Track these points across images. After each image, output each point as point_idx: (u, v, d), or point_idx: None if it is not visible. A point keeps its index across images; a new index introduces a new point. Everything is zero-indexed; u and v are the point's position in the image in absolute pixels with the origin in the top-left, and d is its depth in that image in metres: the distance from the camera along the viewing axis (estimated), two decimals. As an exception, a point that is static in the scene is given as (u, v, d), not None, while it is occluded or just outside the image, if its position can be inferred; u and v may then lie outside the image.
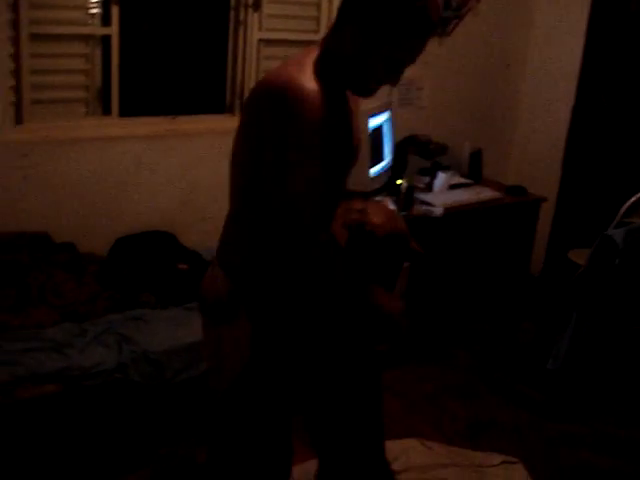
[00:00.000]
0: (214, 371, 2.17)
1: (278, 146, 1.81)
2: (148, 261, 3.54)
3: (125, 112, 3.77)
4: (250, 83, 4.06)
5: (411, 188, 3.96)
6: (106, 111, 3.72)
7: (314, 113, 1.77)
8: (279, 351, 2.05)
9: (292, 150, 1.79)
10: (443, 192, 4.22)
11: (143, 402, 2.96)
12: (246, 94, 4.07)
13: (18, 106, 3.44)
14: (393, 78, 1.95)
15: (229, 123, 4.06)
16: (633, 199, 3.89)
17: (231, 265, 2.04)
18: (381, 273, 2.19)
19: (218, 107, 4.10)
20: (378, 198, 3.95)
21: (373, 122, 3.88)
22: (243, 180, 1.99)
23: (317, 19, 4.23)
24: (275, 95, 1.80)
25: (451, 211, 3.95)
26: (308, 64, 1.86)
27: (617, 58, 4.60)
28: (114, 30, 3.59)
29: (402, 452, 3.21)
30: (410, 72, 4.65)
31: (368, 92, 1.99)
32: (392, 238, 2.12)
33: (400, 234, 2.15)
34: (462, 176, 4.56)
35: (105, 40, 3.60)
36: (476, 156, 4.65)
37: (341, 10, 1.90)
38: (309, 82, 1.80)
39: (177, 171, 3.90)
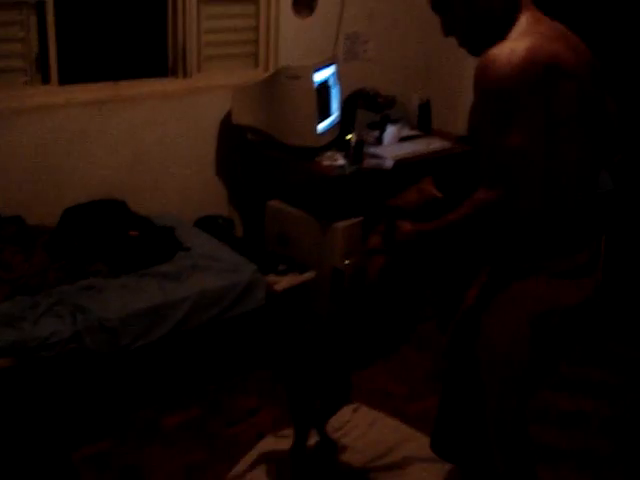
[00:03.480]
0: None
1: None
2: (98, 229, 3.48)
3: (65, 79, 3.68)
4: (192, 43, 3.99)
5: (361, 142, 3.94)
6: (45, 80, 3.62)
7: None
8: None
9: None
10: (393, 145, 4.20)
11: (102, 370, 2.94)
12: (188, 55, 4.00)
13: (-48, 78, 3.36)
14: None
15: (173, 86, 4.03)
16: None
17: None
18: None
19: (161, 70, 4.03)
20: (328, 153, 3.93)
21: (319, 76, 3.84)
22: None
23: (258, -25, 4.16)
24: None
25: (401, 163, 3.94)
26: None
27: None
28: (48, -5, 3.50)
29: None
30: (355, 25, 4.64)
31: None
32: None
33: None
34: (412, 128, 4.55)
35: (40, 6, 3.50)
36: (425, 107, 4.63)
37: None
38: None
39: (123, 137, 3.83)
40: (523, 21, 1.96)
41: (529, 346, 2.10)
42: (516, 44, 1.88)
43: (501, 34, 1.96)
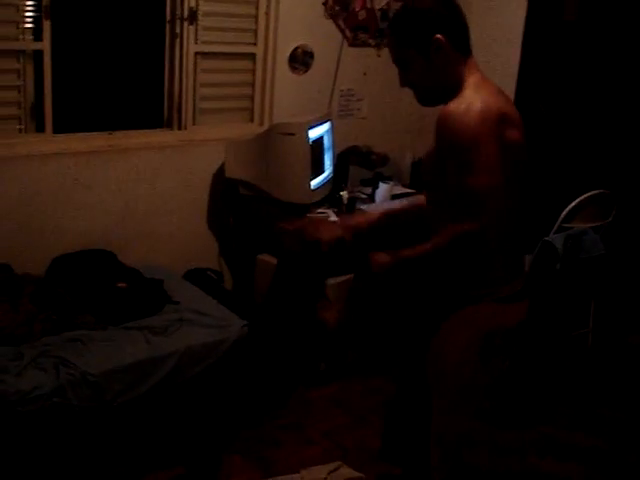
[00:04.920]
0: None
1: None
2: (86, 280, 3.45)
3: (60, 129, 3.69)
4: (188, 96, 4.01)
5: (353, 199, 3.95)
6: (40, 128, 3.63)
7: None
8: None
9: None
10: (385, 202, 4.21)
11: (83, 426, 2.87)
12: (184, 107, 4.02)
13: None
14: None
15: (167, 137, 4.04)
16: (572, 204, 3.94)
17: None
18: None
19: (156, 121, 4.04)
20: (320, 209, 3.93)
21: (313, 133, 3.86)
22: None
23: (254, 31, 4.20)
24: None
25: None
26: None
27: (553, 67, 4.66)
28: (46, 45, 3.51)
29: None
30: (350, 83, 4.69)
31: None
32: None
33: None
34: (404, 186, 4.57)
35: (37, 55, 3.52)
36: (417, 166, 4.65)
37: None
38: None
39: (115, 187, 3.83)
40: (472, 80, 2.25)
41: (475, 362, 2.36)
42: (472, 99, 2.16)
43: (453, 90, 2.24)
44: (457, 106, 2.15)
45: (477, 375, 2.39)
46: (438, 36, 2.20)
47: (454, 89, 2.24)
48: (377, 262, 2.31)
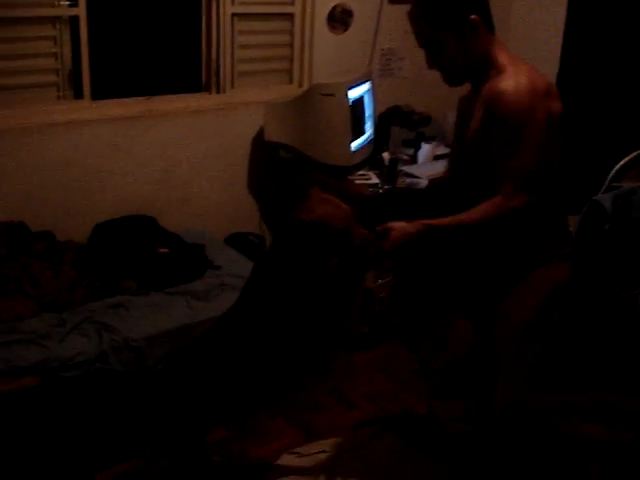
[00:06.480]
0: None
1: None
2: (128, 246, 3.46)
3: (98, 95, 3.67)
4: (226, 59, 3.96)
5: (395, 160, 3.88)
6: (78, 95, 3.62)
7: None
8: None
9: None
10: (428, 163, 4.14)
11: (126, 391, 2.89)
12: (222, 71, 3.98)
13: (-15, 93, 3.34)
14: None
15: (206, 101, 4.00)
16: (621, 163, 3.82)
17: None
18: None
19: (194, 85, 4.00)
20: (361, 172, 3.88)
21: (353, 93, 3.79)
22: None
23: (292, -9, 4.13)
24: None
25: (436, 182, 3.86)
26: None
27: (600, 20, 4.51)
28: (82, 10, 3.48)
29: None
30: (391, 42, 4.58)
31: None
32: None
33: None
34: (447, 146, 4.47)
35: (73, 21, 3.49)
36: (460, 125, 4.56)
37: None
38: None
39: (154, 153, 3.82)
40: (505, 57, 2.28)
41: (542, 320, 2.44)
42: (517, 76, 2.20)
43: (483, 68, 2.29)
44: (507, 84, 2.19)
45: (541, 331, 2.46)
46: (474, 16, 2.22)
47: (485, 67, 2.29)
48: (397, 232, 2.27)
